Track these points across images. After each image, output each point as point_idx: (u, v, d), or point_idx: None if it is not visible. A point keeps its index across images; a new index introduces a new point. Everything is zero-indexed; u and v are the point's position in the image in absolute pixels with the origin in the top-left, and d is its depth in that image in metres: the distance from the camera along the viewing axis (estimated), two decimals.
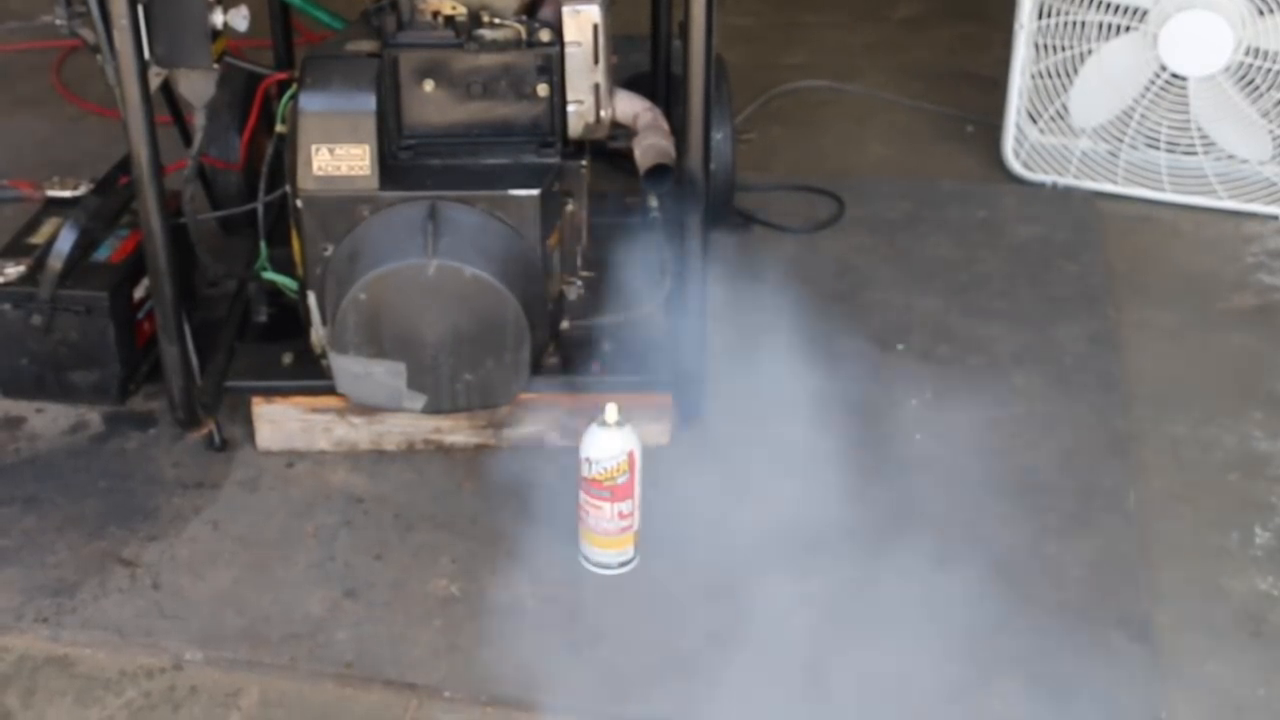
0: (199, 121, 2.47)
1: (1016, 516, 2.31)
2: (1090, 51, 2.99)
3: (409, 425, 2.42)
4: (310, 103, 2.21)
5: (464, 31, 2.25)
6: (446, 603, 2.18)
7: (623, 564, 2.21)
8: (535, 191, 2.24)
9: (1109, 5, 2.94)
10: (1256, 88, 2.94)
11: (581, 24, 2.23)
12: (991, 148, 3.21)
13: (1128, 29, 2.95)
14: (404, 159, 2.28)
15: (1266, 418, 2.51)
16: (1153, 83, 2.99)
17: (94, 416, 2.53)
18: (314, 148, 2.21)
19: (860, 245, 2.97)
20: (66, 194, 2.65)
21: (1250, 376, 2.62)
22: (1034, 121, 3.11)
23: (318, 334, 2.34)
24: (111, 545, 2.27)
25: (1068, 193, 3.12)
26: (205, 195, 2.78)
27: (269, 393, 2.42)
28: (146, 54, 2.21)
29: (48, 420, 2.52)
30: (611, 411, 2.16)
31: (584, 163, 2.33)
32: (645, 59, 2.84)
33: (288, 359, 2.44)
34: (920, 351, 2.67)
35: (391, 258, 2.19)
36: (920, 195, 3.14)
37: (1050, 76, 3.05)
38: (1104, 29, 2.97)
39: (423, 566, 2.24)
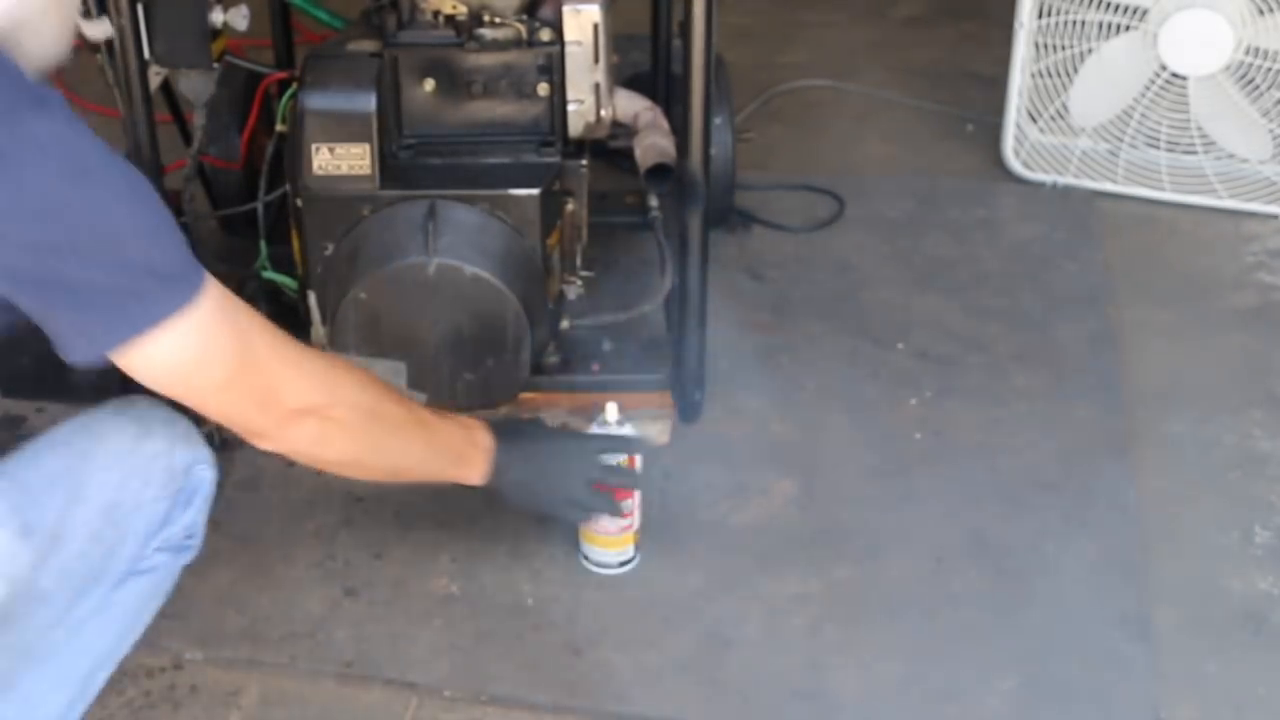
0: (199, 120, 2.47)
1: (1016, 516, 2.31)
2: (1090, 50, 2.99)
3: None
4: (311, 101, 2.21)
5: (465, 31, 2.25)
6: (446, 602, 2.18)
7: (622, 564, 2.21)
8: (535, 191, 2.24)
9: (1109, 4, 2.94)
10: (1256, 87, 2.94)
11: (582, 23, 2.23)
12: (991, 147, 3.21)
13: (1128, 28, 2.95)
14: (404, 158, 2.28)
15: (1266, 418, 2.51)
16: (1153, 82, 2.99)
17: None
18: (314, 146, 2.21)
19: (860, 244, 2.97)
20: None
21: (1250, 376, 2.62)
22: (1034, 120, 3.11)
23: (318, 333, 2.34)
24: None
25: (1068, 192, 3.12)
26: (205, 194, 2.78)
27: None
28: (146, 53, 2.21)
29: (47, 420, 2.52)
30: (612, 411, 2.16)
31: (584, 162, 2.33)
32: (645, 58, 2.84)
33: None
34: (920, 351, 2.67)
35: (392, 257, 2.19)
36: (920, 194, 3.13)
37: (1050, 76, 3.05)
38: (1104, 28, 2.97)
39: (423, 565, 2.24)
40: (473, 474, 1.96)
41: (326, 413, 1.69)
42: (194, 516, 1.79)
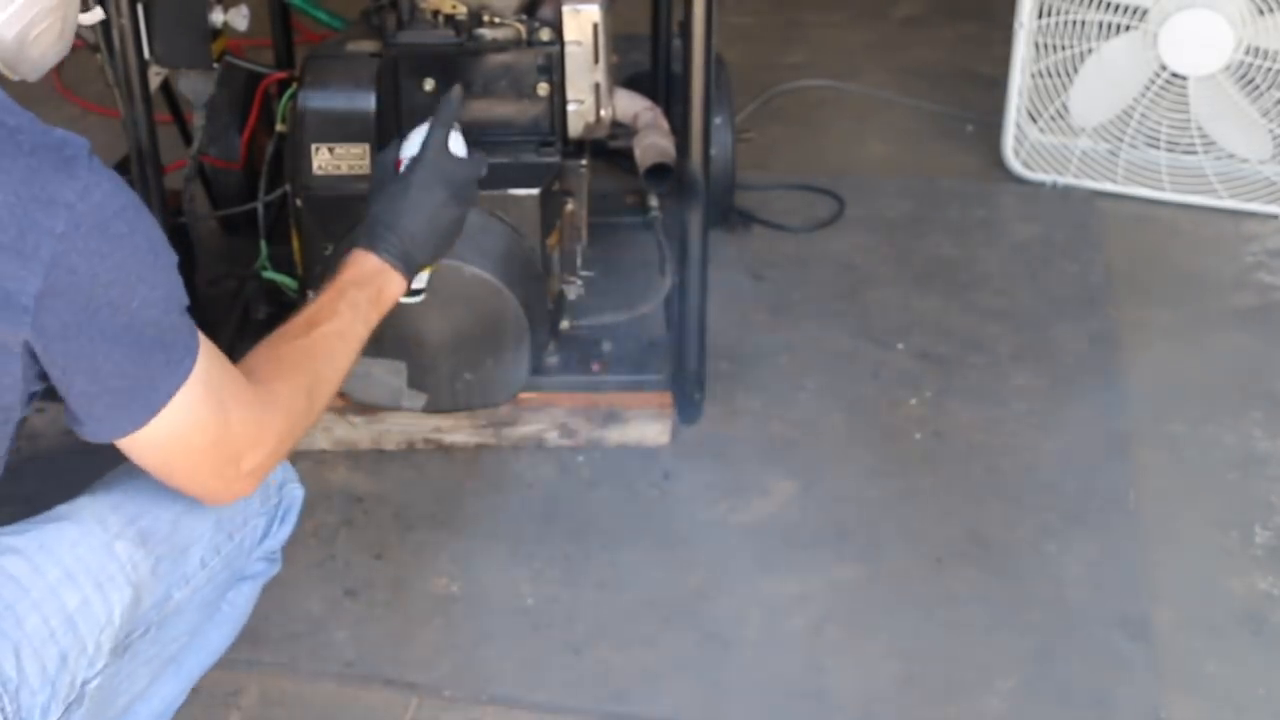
0: (198, 120, 2.47)
1: (1016, 516, 2.31)
2: (1090, 50, 2.99)
3: (409, 424, 2.42)
4: (310, 101, 2.21)
5: (464, 30, 2.25)
6: (446, 602, 2.18)
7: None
8: (535, 191, 2.24)
9: (1109, 4, 2.94)
10: (1256, 87, 2.94)
11: (582, 23, 2.23)
12: (991, 147, 3.21)
13: (1128, 28, 2.95)
14: None
15: (1266, 418, 2.51)
16: (1153, 82, 2.99)
17: None
18: (314, 146, 2.21)
19: (860, 244, 2.97)
20: None
21: (1250, 376, 2.62)
22: (1034, 121, 3.11)
23: None
24: None
25: (1068, 192, 3.12)
26: (205, 194, 2.78)
27: None
28: (146, 53, 2.21)
29: (48, 420, 2.52)
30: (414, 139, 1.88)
31: (584, 162, 2.33)
32: (645, 58, 2.84)
33: None
34: (920, 351, 2.67)
35: None
36: (920, 194, 3.13)
37: (1050, 76, 3.05)
38: (1104, 28, 2.97)
39: (423, 566, 2.24)
40: (395, 295, 1.79)
41: (272, 455, 1.59)
42: (288, 532, 1.82)
